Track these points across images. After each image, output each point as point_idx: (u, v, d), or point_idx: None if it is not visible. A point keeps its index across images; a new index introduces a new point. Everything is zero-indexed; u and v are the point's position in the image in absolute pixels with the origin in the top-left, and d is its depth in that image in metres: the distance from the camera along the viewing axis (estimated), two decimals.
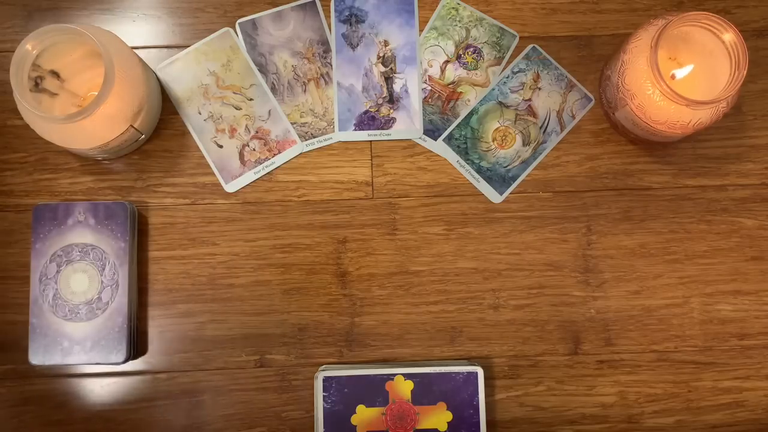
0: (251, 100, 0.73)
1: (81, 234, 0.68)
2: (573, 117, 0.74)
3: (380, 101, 0.73)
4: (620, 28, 0.74)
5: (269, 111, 0.73)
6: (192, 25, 0.74)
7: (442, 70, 0.74)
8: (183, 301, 0.71)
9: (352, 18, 0.74)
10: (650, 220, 0.73)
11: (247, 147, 0.72)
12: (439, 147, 0.73)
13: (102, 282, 0.68)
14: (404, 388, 0.67)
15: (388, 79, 0.74)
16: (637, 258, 0.72)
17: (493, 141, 0.73)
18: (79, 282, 0.68)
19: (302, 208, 0.72)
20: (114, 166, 0.72)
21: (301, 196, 0.72)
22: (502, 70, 0.74)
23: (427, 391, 0.67)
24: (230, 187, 0.72)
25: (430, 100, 0.74)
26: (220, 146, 0.72)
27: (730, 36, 0.66)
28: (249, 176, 0.72)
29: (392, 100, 0.73)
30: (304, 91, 0.73)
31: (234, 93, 0.73)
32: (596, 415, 0.71)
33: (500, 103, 0.74)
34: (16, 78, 0.63)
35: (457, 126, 0.73)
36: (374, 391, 0.67)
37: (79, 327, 0.67)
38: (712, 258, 0.72)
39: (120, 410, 0.70)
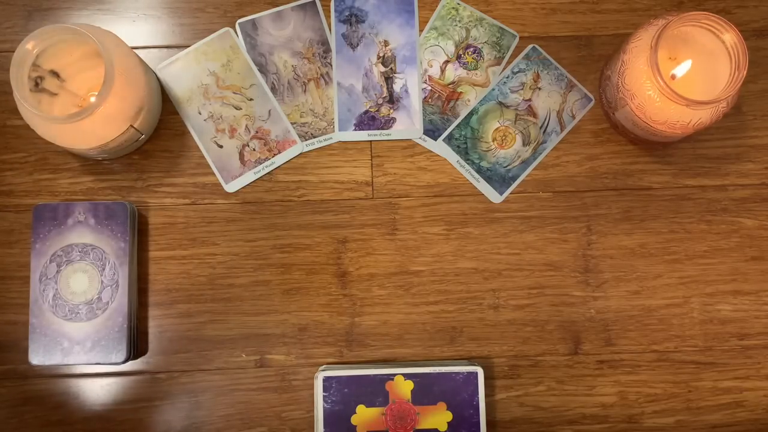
0: (251, 100, 0.73)
1: (81, 234, 0.68)
2: (573, 117, 0.74)
3: (380, 101, 0.73)
4: (620, 28, 0.74)
5: (269, 111, 0.73)
6: (192, 25, 0.74)
7: (442, 70, 0.74)
8: (183, 301, 0.71)
9: (352, 18, 0.74)
10: (650, 220, 0.73)
11: (247, 147, 0.72)
12: (439, 147, 0.73)
13: (102, 282, 0.68)
14: (404, 388, 0.67)
15: (388, 79, 0.74)
16: (637, 258, 0.72)
17: (493, 141, 0.73)
18: (79, 282, 0.68)
19: (302, 208, 0.72)
20: (114, 166, 0.72)
21: (301, 196, 0.72)
22: (502, 70, 0.74)
23: (427, 391, 0.67)
24: (230, 187, 0.72)
25: (430, 100, 0.74)
26: (220, 146, 0.72)
27: (730, 36, 0.66)
28: (249, 176, 0.72)
29: (392, 100, 0.73)
30: (304, 91, 0.73)
31: (234, 93, 0.73)
32: (596, 415, 0.71)
33: (500, 103, 0.74)
34: (16, 78, 0.63)
35: (457, 126, 0.73)
36: (374, 391, 0.67)
37: (79, 327, 0.67)
38: (712, 258, 0.72)
39: (120, 410, 0.70)
